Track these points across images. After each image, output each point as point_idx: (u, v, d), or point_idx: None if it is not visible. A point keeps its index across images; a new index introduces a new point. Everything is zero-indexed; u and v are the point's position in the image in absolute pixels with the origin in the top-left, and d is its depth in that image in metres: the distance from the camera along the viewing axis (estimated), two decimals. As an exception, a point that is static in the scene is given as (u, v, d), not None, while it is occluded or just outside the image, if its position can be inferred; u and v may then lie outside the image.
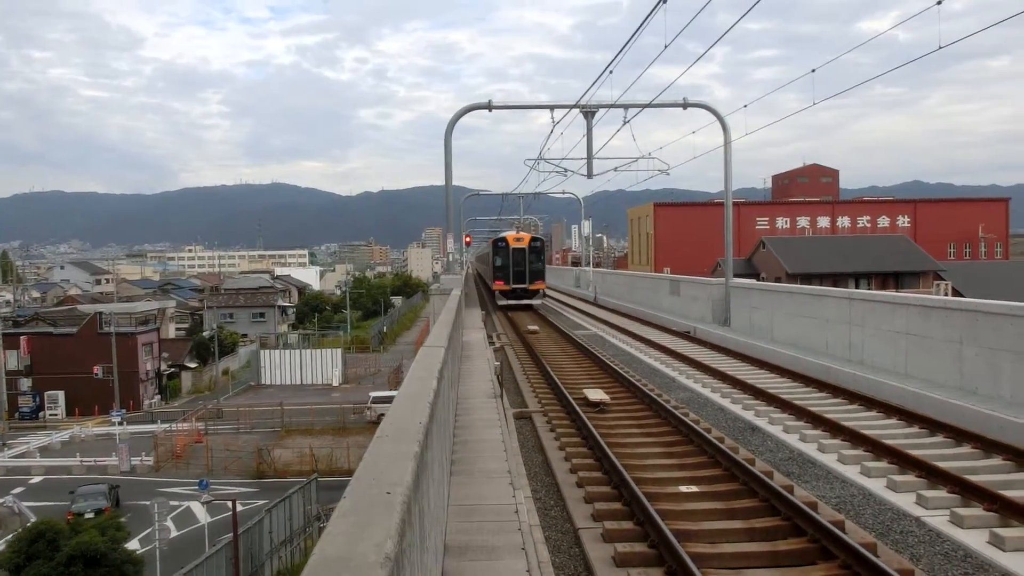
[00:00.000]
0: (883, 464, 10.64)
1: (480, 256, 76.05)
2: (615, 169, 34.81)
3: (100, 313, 69.08)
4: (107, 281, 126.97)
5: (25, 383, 63.49)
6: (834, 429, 12.49)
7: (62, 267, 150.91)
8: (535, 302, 42.76)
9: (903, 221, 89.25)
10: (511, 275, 42.26)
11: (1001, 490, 8.97)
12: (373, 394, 53.17)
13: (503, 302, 42.26)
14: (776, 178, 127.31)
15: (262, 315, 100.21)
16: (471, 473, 9.84)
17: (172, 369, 72.67)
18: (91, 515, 35.84)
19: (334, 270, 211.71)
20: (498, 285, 42.75)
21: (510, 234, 44.80)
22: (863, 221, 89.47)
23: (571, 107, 27.35)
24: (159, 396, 68.10)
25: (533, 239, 43.97)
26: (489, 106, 28.80)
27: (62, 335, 66.22)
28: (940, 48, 13.25)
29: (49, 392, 62.74)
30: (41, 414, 62.34)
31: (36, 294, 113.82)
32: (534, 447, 12.73)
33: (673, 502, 9.39)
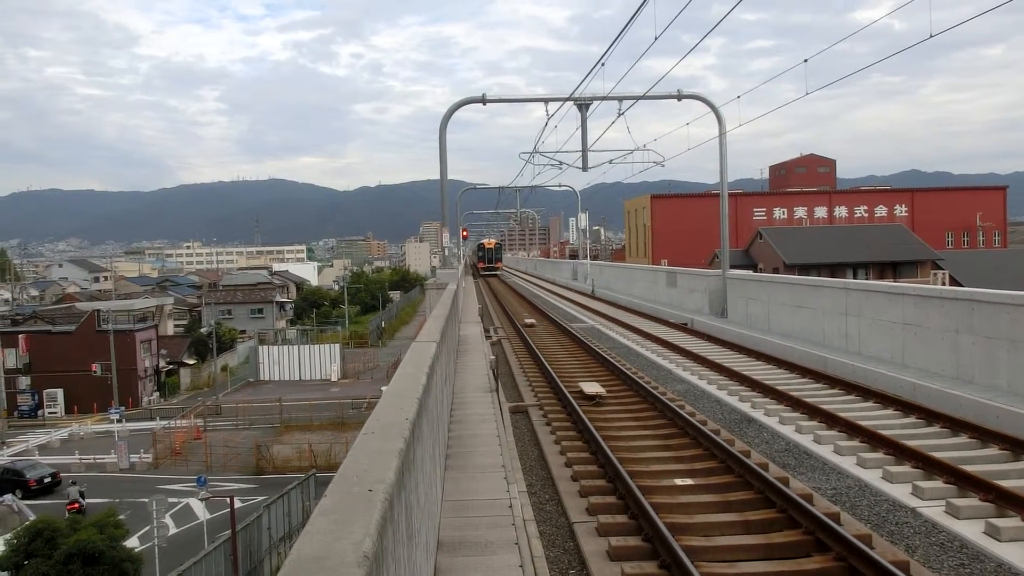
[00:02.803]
0: (879, 455, 10.60)
1: (473, 251, 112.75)
2: (610, 162, 34.83)
3: (98, 311, 69.02)
4: (105, 279, 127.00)
5: (24, 381, 63.50)
6: (830, 420, 12.46)
7: (60, 265, 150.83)
8: (498, 273, 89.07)
9: (901, 210, 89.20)
10: (486, 259, 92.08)
11: (997, 480, 8.95)
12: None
13: (483, 273, 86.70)
14: (773, 168, 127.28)
15: (260, 311, 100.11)
16: (465, 468, 9.81)
17: (171, 366, 72.63)
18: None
19: (332, 265, 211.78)
20: (480, 265, 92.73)
21: (485, 240, 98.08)
22: (860, 211, 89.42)
23: (565, 100, 27.28)
24: (158, 393, 68.09)
25: (496, 243, 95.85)
26: (483, 100, 28.71)
27: (60, 333, 66.17)
28: (931, 36, 13.18)
29: (48, 390, 62.72)
30: (40, 412, 62.33)
31: (35, 292, 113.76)
32: (530, 441, 12.70)
33: (668, 495, 9.36)
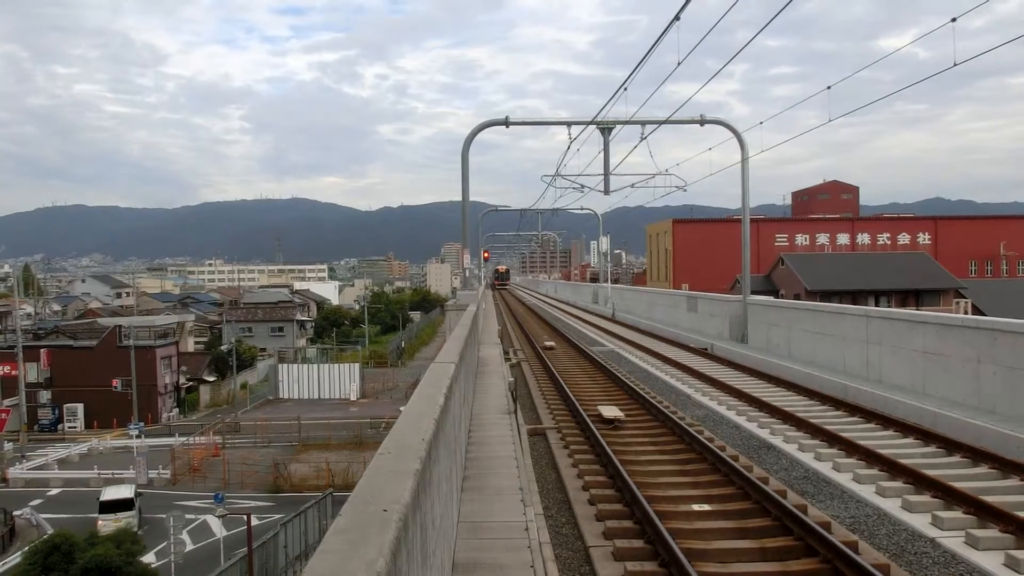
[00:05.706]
0: (898, 484, 10.52)
1: (491, 272, 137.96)
2: (632, 185, 34.87)
3: (119, 326, 69.48)
4: (127, 295, 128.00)
5: (44, 395, 63.88)
6: (850, 448, 12.37)
7: (83, 280, 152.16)
8: (507, 287, 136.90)
9: (924, 238, 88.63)
10: (500, 279, 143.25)
11: (1018, 511, 8.85)
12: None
13: (497, 287, 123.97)
14: (796, 195, 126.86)
15: (281, 329, 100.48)
16: (482, 490, 9.79)
17: (190, 383, 72.96)
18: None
19: (353, 285, 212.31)
20: (496, 283, 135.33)
21: (499, 266, 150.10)
22: (883, 238, 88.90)
23: (587, 123, 27.36)
24: (177, 409, 68.32)
25: (507, 268, 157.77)
26: (506, 122, 28.83)
27: (82, 348, 66.60)
28: (955, 65, 13.17)
29: (68, 405, 63.04)
30: (60, 426, 62.64)
31: (57, 307, 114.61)
32: (547, 464, 12.67)
33: (685, 520, 9.32)
